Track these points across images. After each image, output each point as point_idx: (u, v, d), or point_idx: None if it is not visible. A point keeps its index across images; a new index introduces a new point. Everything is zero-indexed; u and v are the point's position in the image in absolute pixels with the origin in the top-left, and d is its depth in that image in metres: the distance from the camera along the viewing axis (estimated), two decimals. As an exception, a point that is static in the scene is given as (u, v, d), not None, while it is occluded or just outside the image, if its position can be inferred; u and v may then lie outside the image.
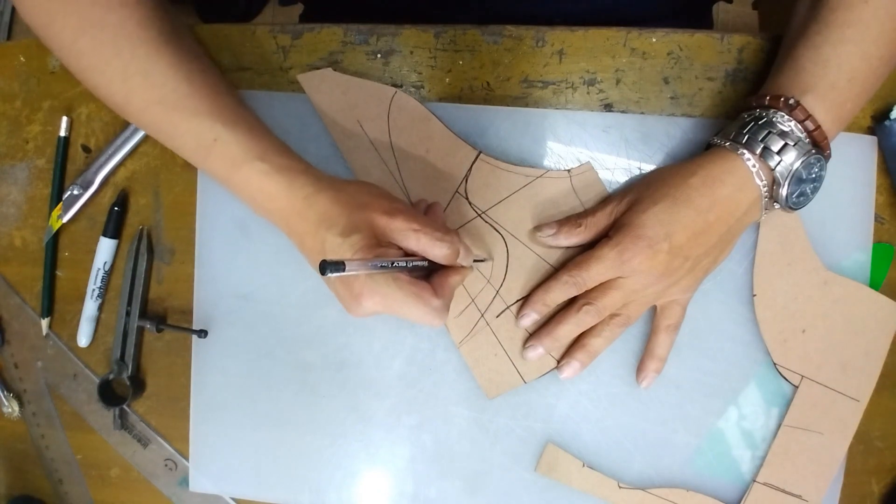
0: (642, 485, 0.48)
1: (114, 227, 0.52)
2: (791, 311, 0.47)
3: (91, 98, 0.53)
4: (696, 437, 0.48)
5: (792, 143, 0.41)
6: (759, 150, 0.41)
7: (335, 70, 0.50)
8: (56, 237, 0.53)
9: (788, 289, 0.47)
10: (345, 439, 0.50)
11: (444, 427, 0.49)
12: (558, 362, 0.47)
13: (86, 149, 0.53)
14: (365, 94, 0.49)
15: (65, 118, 0.52)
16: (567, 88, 0.49)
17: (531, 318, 0.46)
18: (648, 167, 0.49)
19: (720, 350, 0.48)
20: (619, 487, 0.48)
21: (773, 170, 0.41)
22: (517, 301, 0.48)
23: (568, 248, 0.48)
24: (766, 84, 0.45)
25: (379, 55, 0.50)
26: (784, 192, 0.42)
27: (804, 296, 0.47)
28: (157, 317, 0.52)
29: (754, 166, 0.42)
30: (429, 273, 0.42)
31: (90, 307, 0.52)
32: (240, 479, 0.51)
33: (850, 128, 0.48)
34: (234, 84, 0.51)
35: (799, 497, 0.47)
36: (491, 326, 0.49)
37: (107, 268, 0.52)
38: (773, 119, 0.42)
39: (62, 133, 0.52)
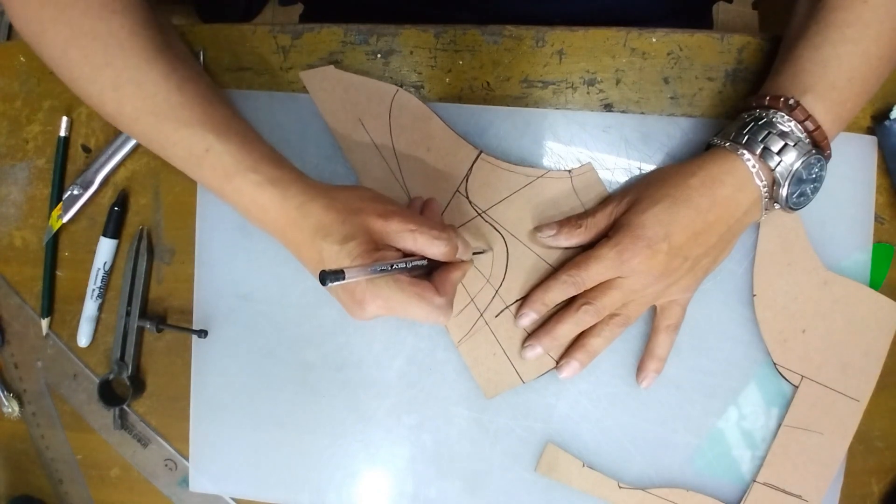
0: (642, 485, 0.48)
1: (114, 227, 0.52)
2: (791, 311, 0.47)
3: (91, 98, 0.53)
4: (696, 437, 0.48)
5: (792, 144, 0.41)
6: (759, 151, 0.41)
7: (335, 70, 0.50)
8: (56, 237, 0.53)
9: (788, 289, 0.47)
10: (345, 439, 0.50)
11: (444, 427, 0.49)
12: (557, 362, 0.47)
13: (86, 149, 0.53)
14: (366, 92, 0.49)
15: (65, 118, 0.52)
16: (567, 88, 0.49)
17: (530, 317, 0.46)
18: (648, 167, 0.49)
19: (720, 350, 0.48)
20: (619, 487, 0.48)
21: (773, 170, 0.41)
22: (516, 301, 0.48)
23: (568, 248, 0.48)
24: (766, 84, 0.45)
25: (379, 55, 0.50)
26: (784, 192, 0.42)
27: (804, 296, 0.47)
28: (157, 317, 0.52)
29: (754, 167, 0.42)
30: (430, 271, 0.42)
31: (90, 307, 0.52)
32: (240, 479, 0.51)
33: (850, 128, 0.48)
34: (234, 84, 0.51)
35: (799, 497, 0.47)
36: (490, 326, 0.49)
37: (107, 268, 0.52)
38: (773, 119, 0.42)
39: (62, 133, 0.52)
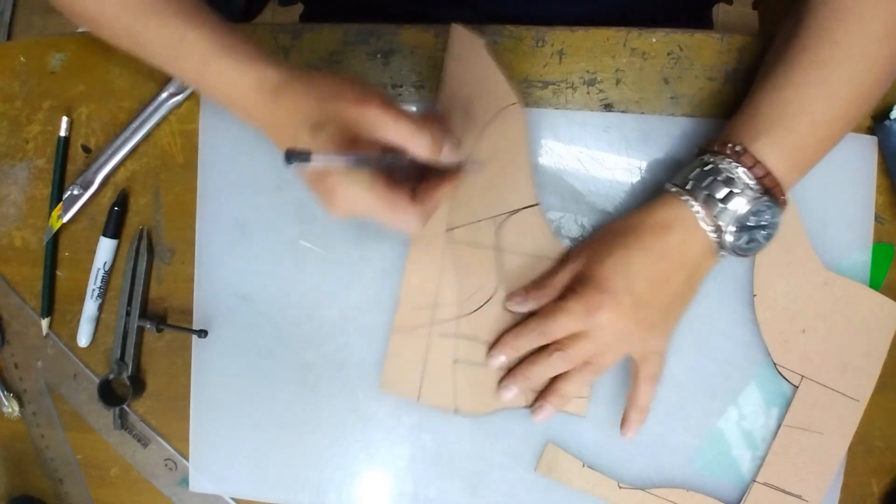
0: (642, 485, 0.48)
1: (114, 227, 0.52)
2: (791, 312, 0.47)
3: (91, 98, 0.53)
4: (696, 437, 0.48)
5: (738, 191, 0.40)
6: (702, 197, 0.41)
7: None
8: (56, 237, 0.53)
9: (788, 289, 0.47)
10: (345, 439, 0.50)
11: (444, 427, 0.49)
12: (531, 405, 0.47)
13: (86, 149, 0.53)
14: (491, 86, 0.48)
15: (65, 118, 0.52)
16: (567, 88, 0.49)
17: (500, 359, 0.47)
18: (648, 167, 0.49)
19: (720, 350, 0.48)
20: (619, 487, 0.48)
21: (716, 217, 0.41)
22: (465, 337, 0.48)
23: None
24: (726, 126, 0.44)
25: (379, 55, 0.50)
26: (730, 238, 0.41)
27: (804, 296, 0.47)
28: (157, 317, 0.52)
29: (698, 212, 0.41)
30: (419, 179, 0.40)
31: (90, 307, 0.52)
32: (240, 479, 0.51)
33: (850, 128, 0.48)
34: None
35: (799, 497, 0.47)
36: (429, 339, 0.49)
37: (107, 268, 0.52)
38: (720, 166, 0.41)
39: (62, 133, 0.52)
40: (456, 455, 0.49)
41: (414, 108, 0.50)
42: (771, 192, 0.41)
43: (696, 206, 0.41)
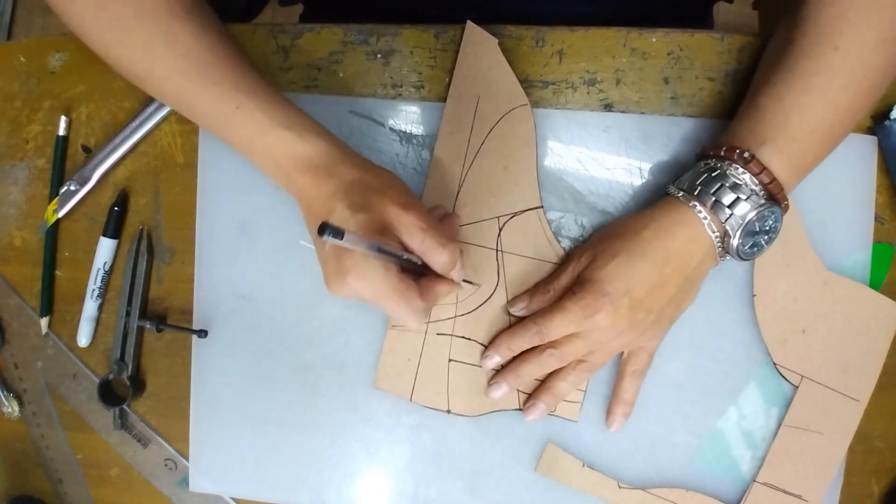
0: (642, 485, 0.48)
1: (114, 227, 0.52)
2: (791, 312, 0.47)
3: (91, 98, 0.53)
4: (696, 437, 0.48)
5: (744, 197, 0.41)
6: (710, 203, 0.41)
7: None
8: (56, 237, 0.53)
9: (788, 289, 0.47)
10: (345, 439, 0.50)
11: (444, 427, 0.49)
12: (524, 404, 0.48)
13: (86, 149, 0.53)
14: (501, 85, 0.48)
15: (63, 118, 0.52)
16: (567, 88, 0.49)
17: (494, 360, 0.47)
18: (648, 167, 0.49)
19: (720, 350, 0.48)
20: (619, 487, 0.48)
21: (724, 222, 0.41)
22: (462, 337, 0.48)
23: None
24: (727, 131, 0.44)
25: (379, 55, 0.50)
26: (735, 243, 0.41)
27: (804, 296, 0.47)
28: (157, 317, 0.52)
29: (705, 218, 0.42)
30: (418, 276, 0.42)
31: (90, 307, 0.52)
32: (240, 479, 0.51)
33: (850, 128, 0.48)
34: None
35: (799, 497, 0.47)
36: (426, 337, 0.49)
37: (107, 268, 0.52)
38: (727, 171, 0.41)
39: (61, 132, 0.52)
40: (456, 455, 0.49)
41: (415, 109, 0.50)
42: (775, 197, 0.42)
43: (704, 212, 0.42)
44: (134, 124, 0.52)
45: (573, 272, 0.46)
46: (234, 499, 0.52)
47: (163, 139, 0.52)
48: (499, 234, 0.49)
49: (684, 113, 0.49)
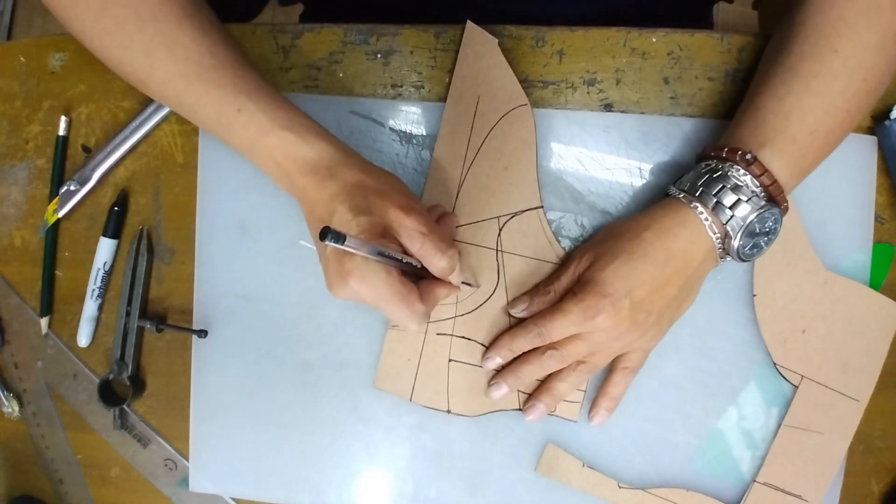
0: (642, 485, 0.48)
1: (114, 227, 0.52)
2: (791, 312, 0.47)
3: (91, 98, 0.53)
4: (696, 437, 0.48)
5: (745, 199, 0.41)
6: (712, 204, 0.41)
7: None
8: (56, 237, 0.53)
9: (788, 289, 0.47)
10: (345, 439, 0.50)
11: (444, 427, 0.49)
12: (524, 404, 0.48)
13: (86, 149, 0.53)
14: (501, 84, 0.48)
15: (63, 118, 0.52)
16: (567, 88, 0.49)
17: (495, 361, 0.47)
18: (648, 167, 0.49)
19: (720, 350, 0.48)
20: (619, 487, 0.48)
21: (725, 224, 0.41)
22: (462, 337, 0.48)
23: None
24: (727, 133, 0.44)
25: (379, 55, 0.50)
26: (735, 244, 0.41)
27: (804, 296, 0.47)
28: (157, 317, 0.52)
29: (707, 219, 0.42)
30: (417, 278, 0.42)
31: (90, 307, 0.52)
32: (240, 479, 0.51)
33: (850, 128, 0.48)
34: (234, 84, 0.51)
35: (799, 497, 0.47)
36: (426, 337, 0.49)
37: (107, 268, 0.52)
38: (729, 173, 0.41)
39: (61, 132, 0.52)
40: (456, 455, 0.49)
41: (415, 109, 0.50)
42: (775, 198, 0.42)
43: (705, 214, 0.42)
44: (134, 124, 0.52)
45: (574, 273, 0.46)
46: (234, 499, 0.52)
47: (163, 139, 0.52)
48: (499, 235, 0.49)
49: (684, 113, 0.49)
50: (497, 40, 0.49)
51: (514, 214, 0.49)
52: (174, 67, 0.42)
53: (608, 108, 0.49)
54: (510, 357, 0.47)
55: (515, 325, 0.47)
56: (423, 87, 0.50)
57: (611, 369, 0.47)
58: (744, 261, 0.43)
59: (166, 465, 0.53)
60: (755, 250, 0.42)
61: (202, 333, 0.50)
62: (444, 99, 0.50)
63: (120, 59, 0.44)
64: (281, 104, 0.43)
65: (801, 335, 0.47)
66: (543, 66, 0.50)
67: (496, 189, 0.49)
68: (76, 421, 0.54)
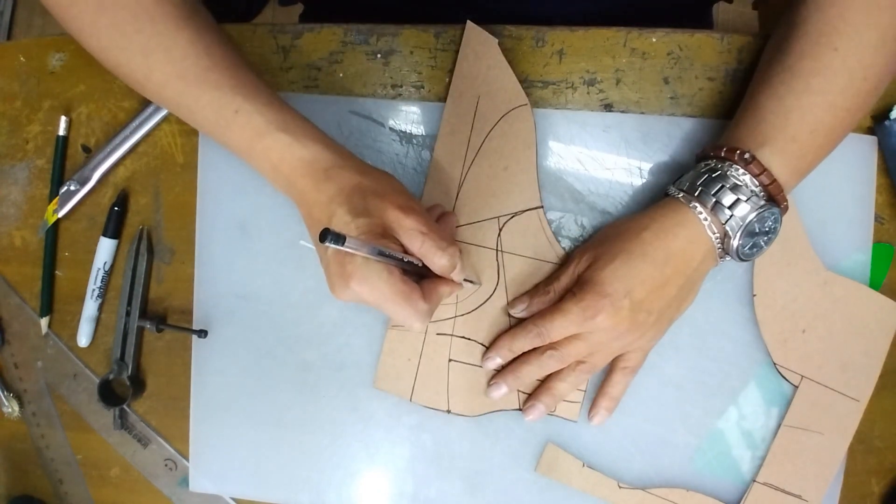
0: (642, 485, 0.48)
1: (114, 227, 0.52)
2: (791, 311, 0.47)
3: (91, 98, 0.53)
4: (696, 437, 0.48)
5: (744, 198, 0.41)
6: (711, 204, 0.41)
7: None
8: (56, 237, 0.53)
9: (788, 289, 0.47)
10: (345, 439, 0.50)
11: (444, 427, 0.49)
12: (523, 404, 0.48)
13: (86, 149, 0.53)
14: (501, 84, 0.48)
15: (63, 118, 0.52)
16: (567, 88, 0.49)
17: (495, 361, 0.47)
18: (648, 167, 0.49)
19: (720, 350, 0.48)
20: (619, 487, 0.48)
21: (725, 224, 0.41)
22: (462, 337, 0.48)
23: None
24: (727, 132, 0.44)
25: (379, 55, 0.50)
26: (735, 244, 0.41)
27: (804, 296, 0.47)
28: (157, 317, 0.52)
29: (706, 219, 0.42)
30: (419, 277, 0.42)
31: (90, 307, 0.52)
32: (240, 479, 0.51)
33: (850, 128, 0.48)
34: (234, 84, 0.51)
35: (799, 497, 0.47)
36: (426, 337, 0.49)
37: (107, 268, 0.52)
38: (728, 172, 0.41)
39: (61, 132, 0.52)
40: (456, 455, 0.49)
41: (415, 109, 0.50)
42: (774, 198, 0.42)
43: (704, 213, 0.42)
44: (134, 124, 0.52)
45: (573, 273, 0.46)
46: (234, 499, 0.52)
47: (163, 139, 0.52)
48: (499, 235, 0.49)
49: (684, 113, 0.49)
50: (497, 40, 0.49)
51: (514, 214, 0.49)
52: (171, 69, 0.42)
53: (608, 108, 0.49)
54: (510, 357, 0.47)
55: (515, 325, 0.47)
56: (423, 87, 0.50)
57: (610, 369, 0.47)
58: (743, 260, 0.43)
59: (166, 465, 0.53)
60: (755, 250, 0.42)
61: (202, 333, 0.50)
62: (444, 99, 0.50)
63: (118, 60, 0.44)
64: (278, 105, 0.43)
65: (801, 335, 0.47)
66: (543, 66, 0.50)
67: (496, 189, 0.49)
68: (76, 421, 0.54)
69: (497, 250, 0.49)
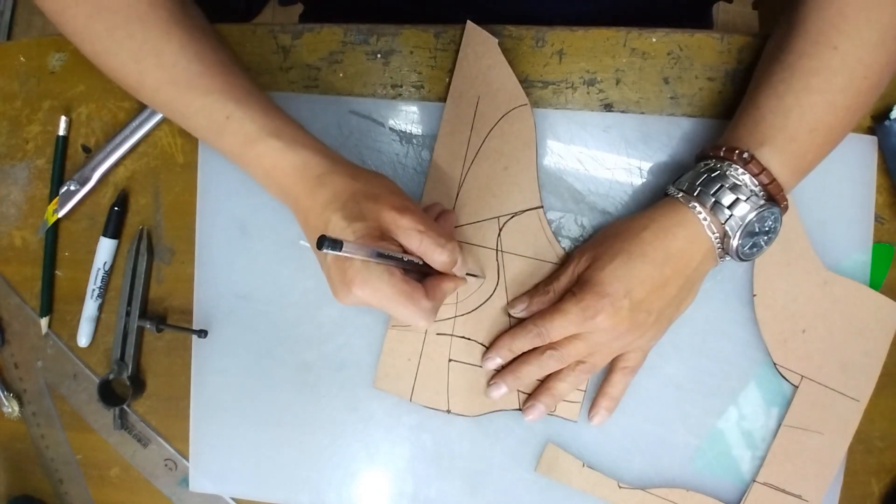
0: (642, 485, 0.48)
1: (114, 227, 0.52)
2: (791, 311, 0.47)
3: (91, 98, 0.53)
4: (696, 437, 0.48)
5: (744, 198, 0.41)
6: (710, 204, 0.41)
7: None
8: (56, 237, 0.53)
9: (788, 289, 0.47)
10: (345, 439, 0.50)
11: (444, 427, 0.49)
12: (523, 404, 0.48)
13: (86, 149, 0.53)
14: (501, 84, 0.48)
15: (63, 118, 0.52)
16: (567, 88, 0.49)
17: (495, 361, 0.47)
18: (648, 167, 0.49)
19: (720, 350, 0.48)
20: (619, 487, 0.48)
21: (724, 223, 0.41)
22: (462, 337, 0.49)
23: None
24: (727, 132, 0.44)
25: (379, 55, 0.50)
26: (734, 244, 0.41)
27: (804, 296, 0.47)
28: (157, 317, 0.52)
29: (705, 219, 0.42)
30: (421, 276, 0.42)
31: (90, 307, 0.52)
32: (240, 479, 0.51)
33: (850, 128, 0.48)
34: (234, 84, 0.51)
35: (799, 497, 0.47)
36: (426, 337, 0.49)
37: (107, 268, 0.52)
38: (727, 172, 0.41)
39: (61, 132, 0.52)
40: (456, 455, 0.49)
41: (415, 109, 0.50)
42: (774, 197, 0.42)
43: (704, 213, 0.42)
44: (134, 124, 0.52)
45: (573, 273, 0.46)
46: (234, 499, 0.52)
47: (163, 139, 0.52)
48: (499, 235, 0.49)
49: (684, 113, 0.49)
50: (497, 40, 0.49)
51: (514, 214, 0.49)
52: (163, 75, 0.42)
53: (608, 108, 0.49)
54: (510, 357, 0.47)
55: (515, 325, 0.47)
56: (423, 87, 0.50)
57: (610, 369, 0.47)
58: (743, 260, 0.43)
59: (166, 465, 0.53)
60: (755, 250, 0.42)
61: (202, 333, 0.50)
62: (444, 99, 0.50)
63: (112, 66, 0.44)
64: (270, 111, 0.42)
65: (801, 335, 0.47)
66: (543, 66, 0.50)
67: (496, 189, 0.49)
68: (76, 421, 0.54)
69: (497, 250, 0.49)
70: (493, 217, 0.49)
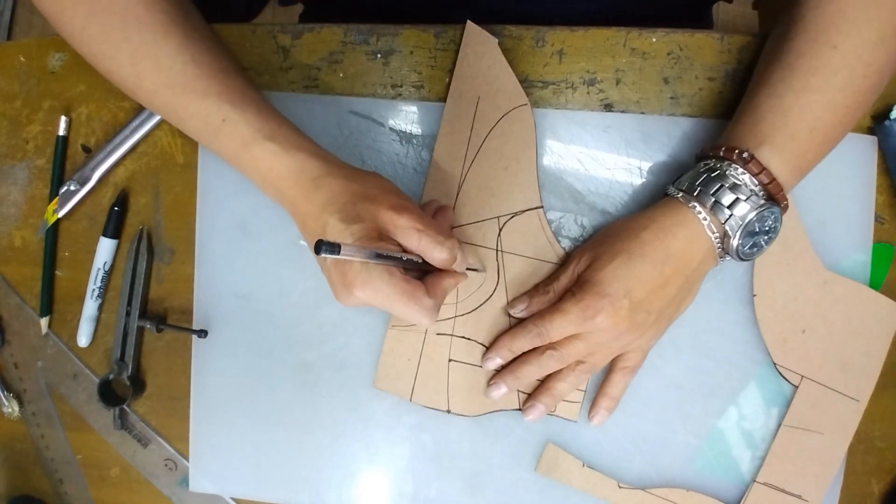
0: (642, 485, 0.48)
1: (114, 227, 0.52)
2: (791, 311, 0.47)
3: (91, 98, 0.53)
4: (696, 437, 0.48)
5: (744, 198, 0.40)
6: (710, 203, 0.41)
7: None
8: (56, 237, 0.53)
9: (788, 289, 0.47)
10: (345, 439, 0.50)
11: (444, 427, 0.49)
12: (523, 405, 0.48)
13: (86, 149, 0.53)
14: (501, 84, 0.48)
15: (63, 118, 0.52)
16: (567, 88, 0.49)
17: (495, 361, 0.47)
18: (648, 167, 0.49)
19: (720, 350, 0.48)
20: (619, 487, 0.48)
21: (724, 223, 0.41)
22: (462, 337, 0.49)
23: None
24: (726, 131, 0.44)
25: (379, 55, 0.50)
26: (735, 243, 0.41)
27: (804, 296, 0.47)
28: (157, 317, 0.52)
29: (705, 219, 0.42)
30: (422, 273, 0.42)
31: (90, 307, 0.52)
32: (240, 479, 0.51)
33: (850, 128, 0.48)
34: (234, 84, 0.51)
35: (799, 497, 0.47)
36: (426, 336, 0.49)
37: (107, 268, 0.52)
38: (727, 172, 0.41)
39: (61, 132, 0.52)
40: (456, 455, 0.49)
41: (415, 109, 0.50)
42: (774, 197, 0.41)
43: (704, 213, 0.42)
44: (134, 124, 0.52)
45: (573, 273, 0.46)
46: (234, 499, 0.52)
47: (163, 139, 0.52)
48: (499, 235, 0.49)
49: (684, 113, 0.49)
50: (497, 40, 0.49)
51: (514, 214, 0.49)
52: (159, 77, 0.42)
53: (608, 108, 0.49)
54: (510, 357, 0.47)
55: (515, 325, 0.47)
56: (423, 87, 0.50)
57: (610, 369, 0.47)
58: (744, 260, 0.43)
59: (166, 465, 0.53)
60: (755, 249, 0.42)
61: (202, 333, 0.50)
62: (444, 99, 0.50)
63: (108, 67, 0.44)
64: (266, 114, 0.42)
65: (801, 335, 0.47)
66: (543, 66, 0.50)
67: (496, 189, 0.49)
68: (76, 421, 0.54)
69: (497, 250, 0.49)
70: (493, 217, 0.49)
